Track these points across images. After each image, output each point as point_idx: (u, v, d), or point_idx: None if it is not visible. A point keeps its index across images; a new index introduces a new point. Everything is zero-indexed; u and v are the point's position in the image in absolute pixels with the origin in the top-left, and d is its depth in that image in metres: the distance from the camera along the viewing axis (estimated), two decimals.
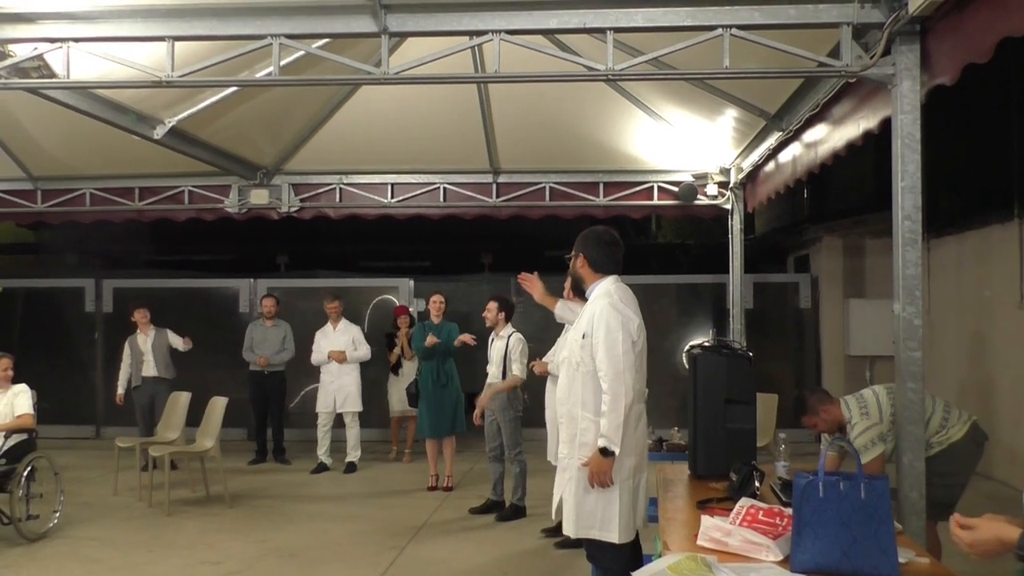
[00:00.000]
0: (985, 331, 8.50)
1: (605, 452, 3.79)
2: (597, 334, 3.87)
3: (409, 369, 9.42)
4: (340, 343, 9.23)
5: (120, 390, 9.30)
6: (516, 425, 7.01)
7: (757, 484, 3.45)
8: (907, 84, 4.04)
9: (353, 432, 9.20)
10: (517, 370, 6.97)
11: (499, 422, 7.04)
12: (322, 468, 9.15)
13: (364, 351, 9.31)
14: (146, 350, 9.23)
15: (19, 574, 5.63)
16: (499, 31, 4.47)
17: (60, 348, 11.38)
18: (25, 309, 11.70)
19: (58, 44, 4.69)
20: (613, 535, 3.87)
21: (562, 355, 4.23)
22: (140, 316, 9.30)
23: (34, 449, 6.42)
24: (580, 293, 4.30)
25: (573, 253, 4.14)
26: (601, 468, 3.83)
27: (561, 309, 4.98)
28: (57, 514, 6.59)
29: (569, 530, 4.05)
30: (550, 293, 4.93)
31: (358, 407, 9.23)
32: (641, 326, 3.95)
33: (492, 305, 7.16)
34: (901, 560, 2.49)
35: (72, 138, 7.72)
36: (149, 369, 9.23)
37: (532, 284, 4.86)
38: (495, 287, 11.01)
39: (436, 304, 8.08)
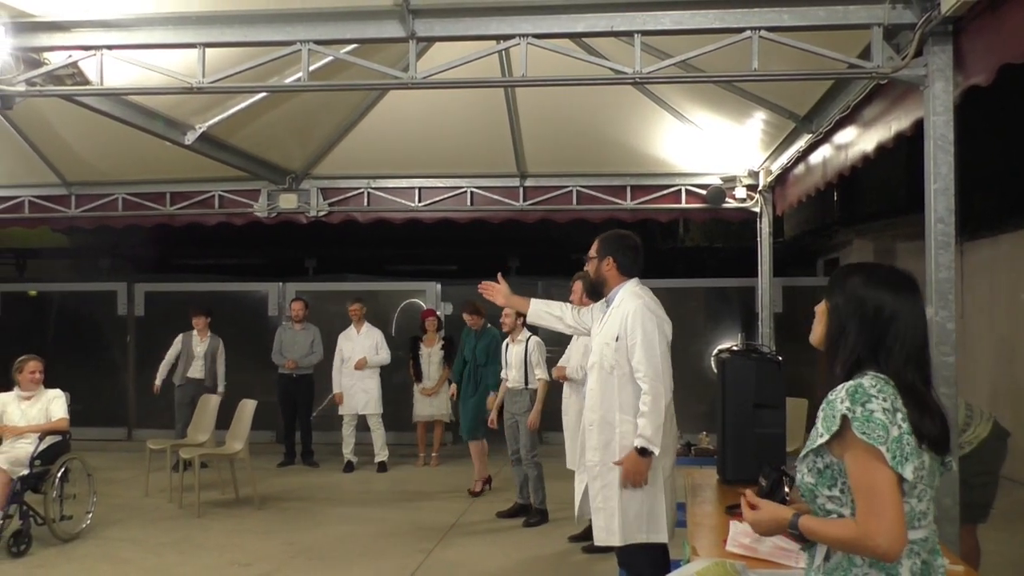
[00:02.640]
0: (1020, 335, 8.36)
1: (644, 452, 3.81)
2: (634, 336, 3.89)
3: (434, 375, 9.47)
4: (363, 346, 9.37)
5: (157, 381, 9.47)
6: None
7: (787, 489, 3.41)
8: (940, 85, 3.98)
9: (378, 433, 9.38)
10: (541, 374, 6.98)
11: (519, 424, 7.05)
12: (350, 467, 9.36)
13: (385, 355, 9.50)
14: (197, 353, 9.43)
15: (52, 573, 5.71)
16: (526, 35, 4.47)
17: (93, 351, 11.55)
18: (59, 312, 11.89)
19: (92, 52, 4.75)
20: (662, 535, 3.91)
21: (591, 360, 4.19)
22: (199, 322, 9.50)
23: (68, 451, 6.51)
24: (596, 295, 4.30)
25: (597, 255, 4.13)
26: (638, 468, 3.85)
27: (537, 311, 4.42)
28: (90, 515, 6.68)
29: (613, 539, 3.98)
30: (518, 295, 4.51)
31: (379, 409, 9.43)
32: (670, 329, 4.01)
33: (509, 310, 7.14)
34: (944, 562, 2.44)
35: (105, 144, 7.82)
36: (196, 371, 9.40)
37: (494, 291, 4.46)
38: (522, 291, 10.96)
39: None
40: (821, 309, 2.20)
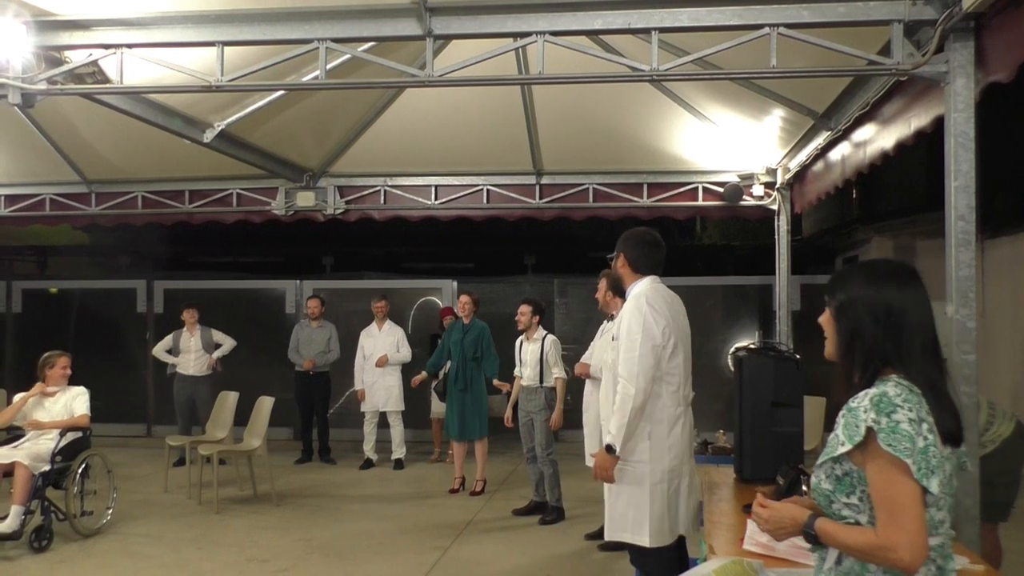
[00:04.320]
0: None
1: (609, 449, 3.81)
2: (621, 335, 3.88)
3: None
4: (385, 343, 9.42)
5: (171, 360, 9.64)
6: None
7: (804, 488, 3.40)
8: (961, 82, 3.94)
9: (398, 430, 9.42)
10: (559, 372, 6.99)
11: (535, 422, 7.05)
12: (368, 464, 9.42)
13: (406, 353, 9.55)
14: (187, 348, 9.52)
15: (73, 569, 5.77)
16: (543, 32, 4.46)
17: (112, 348, 11.64)
18: (79, 310, 12.00)
19: (112, 50, 4.79)
20: (644, 539, 3.85)
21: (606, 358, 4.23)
22: (189, 316, 9.63)
23: (88, 447, 6.57)
24: (621, 293, 4.31)
25: (615, 253, 4.14)
26: (603, 464, 3.87)
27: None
28: (110, 511, 6.74)
29: (606, 533, 4.07)
30: None
31: (401, 406, 9.45)
32: (670, 328, 3.88)
33: (526, 308, 7.20)
34: (955, 566, 2.43)
35: (125, 142, 7.88)
36: (187, 368, 9.51)
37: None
38: (538, 289, 11.02)
39: (463, 304, 8.09)
40: (826, 319, 2.14)
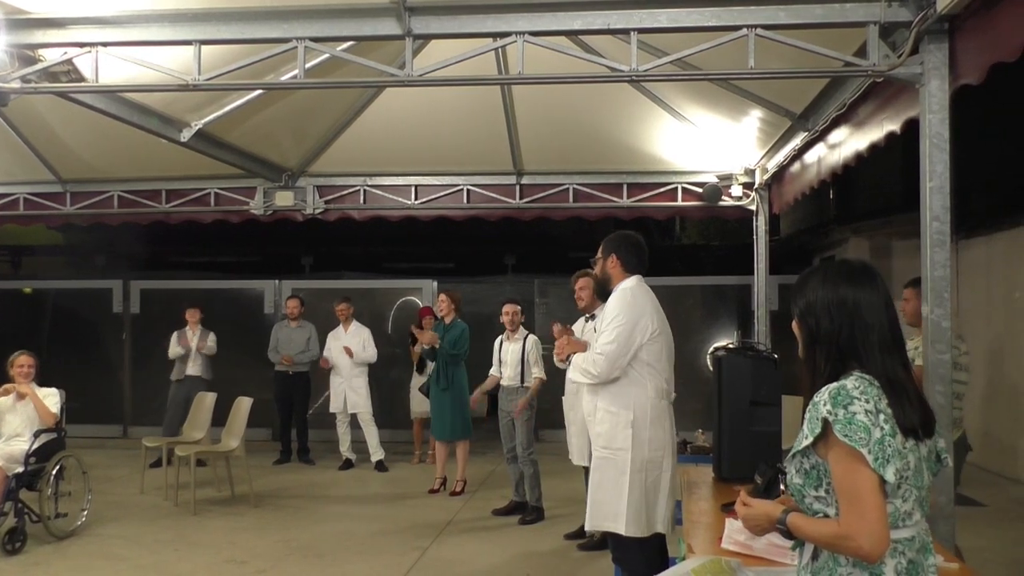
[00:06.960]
0: (1015, 333, 8.38)
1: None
2: (604, 322, 3.98)
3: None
4: (351, 344, 9.39)
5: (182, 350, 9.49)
6: (531, 425, 7.04)
7: (782, 487, 3.41)
8: (935, 83, 3.98)
9: (371, 432, 9.37)
10: (539, 372, 7.01)
11: (515, 422, 7.05)
12: (348, 464, 9.38)
13: (372, 352, 9.54)
14: (192, 348, 9.42)
15: (47, 571, 5.70)
16: (523, 32, 4.46)
17: (88, 348, 11.53)
18: (54, 310, 11.87)
19: (87, 49, 4.74)
20: (620, 526, 3.93)
21: None
22: (192, 315, 9.56)
23: (63, 448, 6.50)
24: (604, 296, 4.35)
25: (601, 255, 4.20)
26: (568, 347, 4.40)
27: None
28: (85, 512, 6.68)
29: (586, 523, 4.14)
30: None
31: (369, 408, 9.42)
32: (649, 319, 4.00)
33: (511, 308, 7.19)
34: (935, 562, 2.45)
35: (100, 141, 7.80)
36: (195, 368, 9.42)
37: (564, 344, 4.56)
38: (518, 288, 11.03)
39: (441, 304, 8.09)
40: (795, 325, 2.21)
